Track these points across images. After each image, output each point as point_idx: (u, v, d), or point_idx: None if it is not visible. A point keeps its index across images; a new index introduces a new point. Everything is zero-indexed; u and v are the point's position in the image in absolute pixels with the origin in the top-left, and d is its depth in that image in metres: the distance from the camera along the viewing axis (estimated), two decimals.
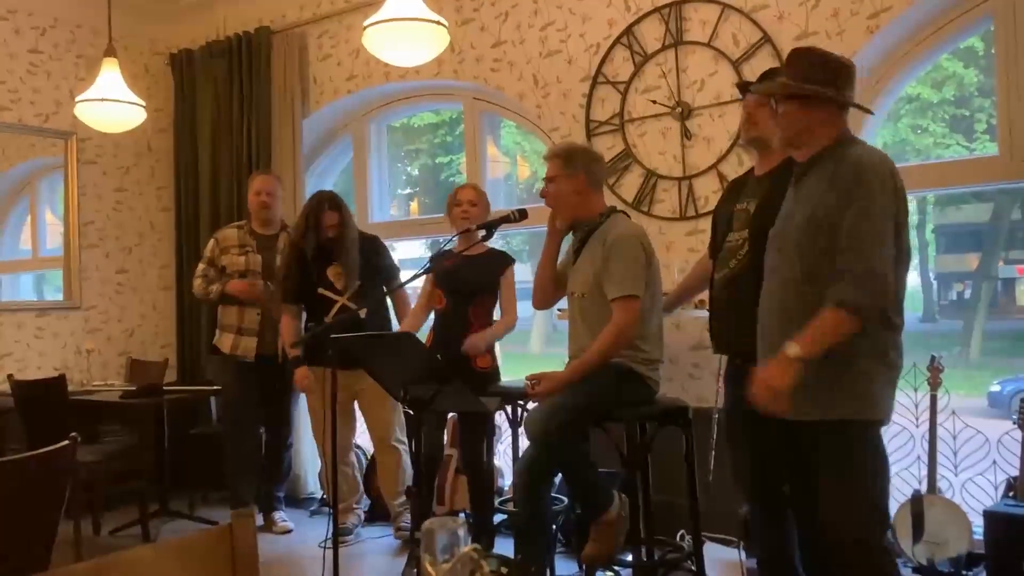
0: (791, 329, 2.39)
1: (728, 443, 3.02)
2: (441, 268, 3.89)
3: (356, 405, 4.39)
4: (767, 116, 2.82)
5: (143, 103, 4.58)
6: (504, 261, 4.02)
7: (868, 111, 2.78)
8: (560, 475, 3.38)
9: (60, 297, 5.58)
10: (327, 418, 3.14)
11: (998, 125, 3.60)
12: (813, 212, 2.41)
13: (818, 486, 2.46)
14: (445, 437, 4.27)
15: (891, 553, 2.47)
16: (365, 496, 4.69)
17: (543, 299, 3.46)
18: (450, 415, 4.20)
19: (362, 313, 3.83)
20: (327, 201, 4.23)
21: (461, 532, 0.73)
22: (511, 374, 4.18)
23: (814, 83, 2.47)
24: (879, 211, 2.32)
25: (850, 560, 2.40)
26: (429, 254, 4.46)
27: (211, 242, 4.78)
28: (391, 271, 4.40)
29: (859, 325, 2.29)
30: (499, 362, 4.06)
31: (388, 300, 4.37)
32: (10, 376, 4.57)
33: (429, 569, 0.72)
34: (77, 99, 4.52)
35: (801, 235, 2.44)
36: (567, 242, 3.44)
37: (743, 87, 3.02)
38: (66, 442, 2.20)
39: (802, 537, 2.76)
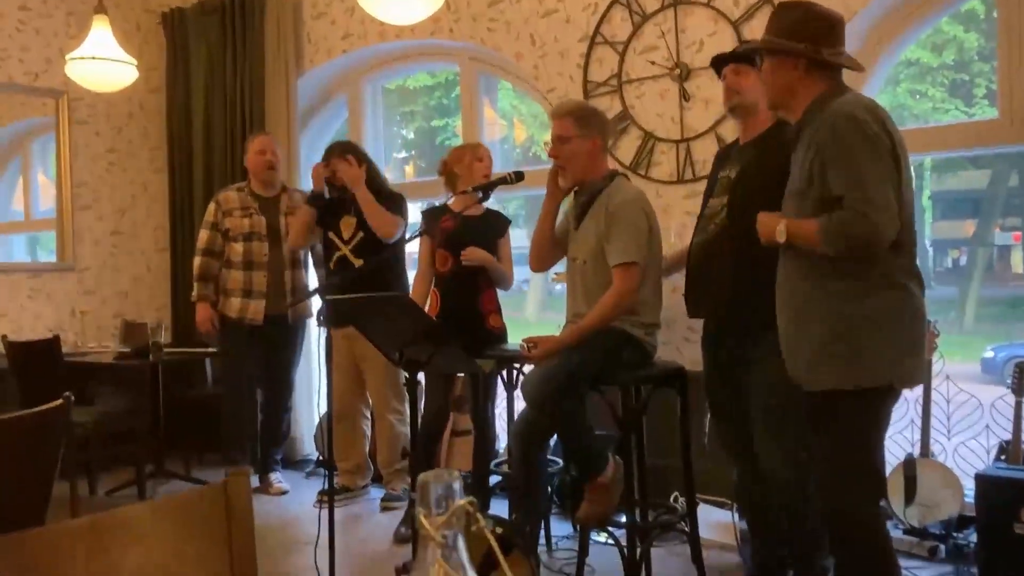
0: (794, 304, 2.41)
1: (710, 407, 3.03)
2: (443, 229, 3.87)
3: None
4: (748, 83, 2.82)
5: (135, 62, 4.52)
6: (503, 223, 4.04)
7: (855, 68, 2.60)
8: (555, 437, 3.39)
9: (54, 259, 5.55)
10: (326, 376, 3.15)
11: (999, 89, 3.57)
12: (799, 180, 2.40)
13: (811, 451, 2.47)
14: None
15: (883, 524, 2.48)
16: (370, 465, 4.67)
17: (540, 261, 3.44)
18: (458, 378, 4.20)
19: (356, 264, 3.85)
20: (336, 148, 4.32)
21: (456, 485, 0.72)
22: (508, 338, 4.17)
23: (792, 39, 2.40)
24: (868, 156, 2.25)
25: (841, 531, 2.41)
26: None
27: (212, 206, 4.72)
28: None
29: (827, 253, 2.28)
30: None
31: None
32: (4, 337, 4.56)
33: (424, 522, 0.71)
34: (68, 57, 4.46)
35: (791, 203, 2.44)
36: (564, 204, 3.42)
37: (715, 61, 3.01)
38: (59, 402, 2.19)
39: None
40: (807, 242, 2.32)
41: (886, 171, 2.26)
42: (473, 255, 3.82)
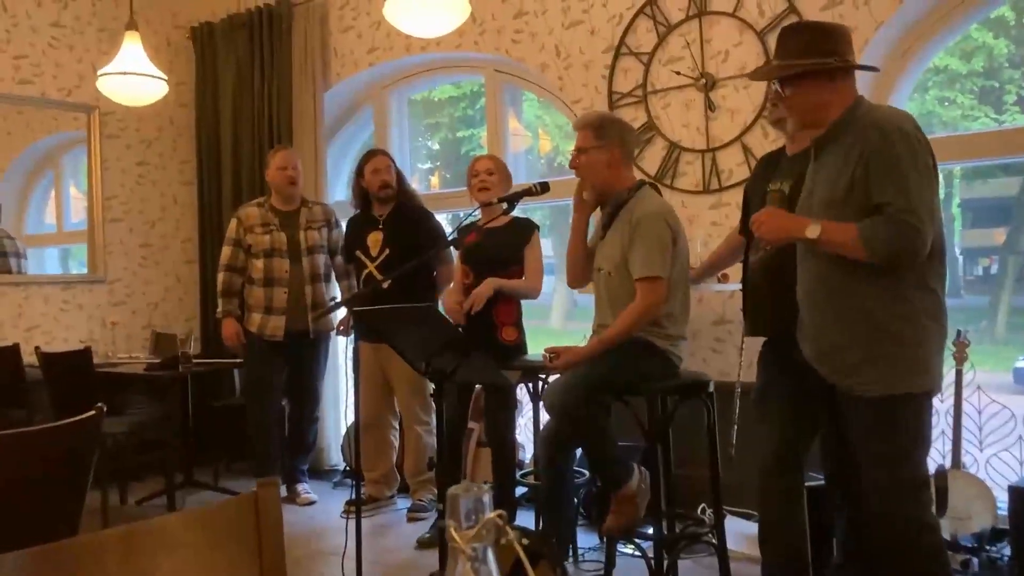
0: (833, 306, 2.39)
1: (756, 422, 2.98)
2: (465, 243, 3.87)
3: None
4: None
5: (165, 77, 4.59)
6: (528, 229, 3.93)
7: (873, 69, 2.71)
8: (581, 448, 3.38)
9: (85, 271, 5.63)
10: (355, 387, 3.17)
11: None
12: (835, 189, 2.36)
13: (861, 459, 2.44)
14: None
15: (938, 529, 2.45)
16: (397, 475, 4.67)
17: (576, 277, 3.38)
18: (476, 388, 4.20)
19: (384, 284, 3.82)
20: (373, 149, 4.41)
21: (486, 498, 0.73)
22: (531, 348, 4.16)
23: (813, 57, 2.39)
24: (916, 168, 2.26)
25: (898, 535, 2.37)
26: (450, 228, 4.43)
27: (233, 222, 4.75)
28: (433, 242, 4.19)
29: (868, 260, 2.28)
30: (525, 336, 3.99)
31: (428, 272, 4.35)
32: (37, 348, 4.63)
33: (454, 535, 0.71)
34: (99, 72, 4.54)
35: (825, 215, 2.39)
36: (594, 217, 3.40)
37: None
38: (92, 412, 2.22)
39: (850, 517, 2.72)
40: (843, 245, 2.31)
41: (933, 183, 2.30)
42: (478, 299, 3.74)
